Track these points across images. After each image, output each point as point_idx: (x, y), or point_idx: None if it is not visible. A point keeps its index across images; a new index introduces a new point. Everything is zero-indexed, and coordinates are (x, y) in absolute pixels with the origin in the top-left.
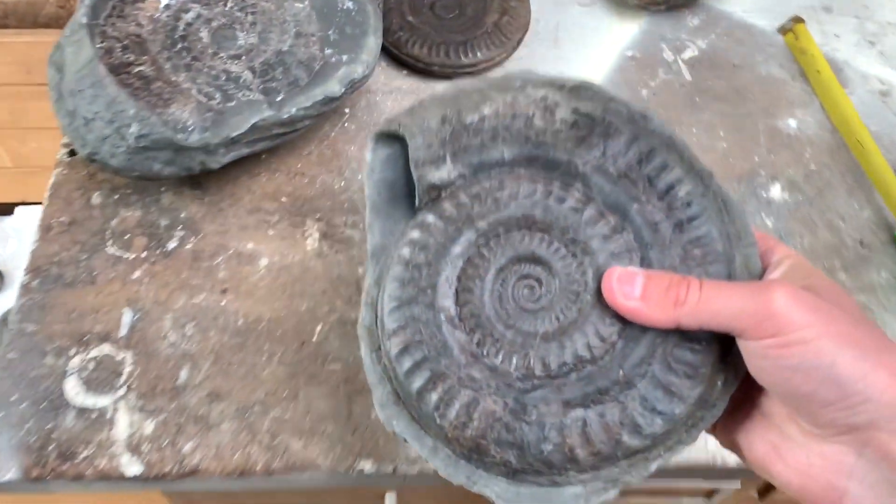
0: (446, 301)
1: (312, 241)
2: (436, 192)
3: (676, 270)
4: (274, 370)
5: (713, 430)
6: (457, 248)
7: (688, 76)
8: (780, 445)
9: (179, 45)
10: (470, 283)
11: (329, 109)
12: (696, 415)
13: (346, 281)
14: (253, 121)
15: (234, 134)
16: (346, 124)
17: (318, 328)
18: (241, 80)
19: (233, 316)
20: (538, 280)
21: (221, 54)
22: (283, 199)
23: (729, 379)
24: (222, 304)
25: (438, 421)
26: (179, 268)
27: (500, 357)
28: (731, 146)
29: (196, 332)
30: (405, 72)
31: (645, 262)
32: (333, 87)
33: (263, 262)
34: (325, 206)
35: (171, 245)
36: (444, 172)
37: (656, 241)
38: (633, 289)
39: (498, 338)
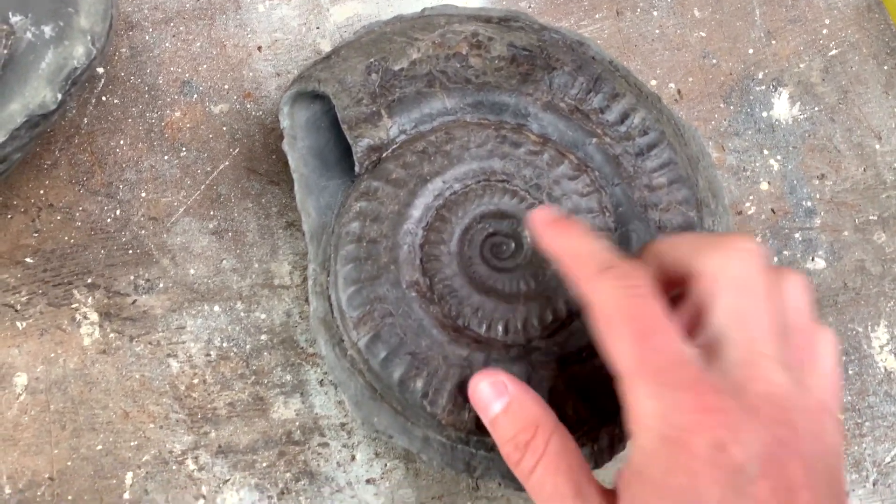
0: (414, 274)
1: (90, 329)
2: (376, 155)
3: (644, 201)
4: None
5: None
6: (413, 213)
7: None
8: None
9: None
10: (435, 251)
11: (47, 126)
12: None
13: (154, 387)
14: None
15: None
16: (104, 99)
17: (129, 478)
18: None
19: None
20: (507, 236)
21: None
22: (28, 260)
23: None
24: None
25: (429, 409)
26: None
27: (485, 326)
28: (712, 35)
29: None
30: None
31: (613, 200)
32: (41, 93)
33: (20, 380)
34: (96, 257)
35: None
36: (383, 130)
37: (620, 175)
38: (486, 411)
39: (478, 306)
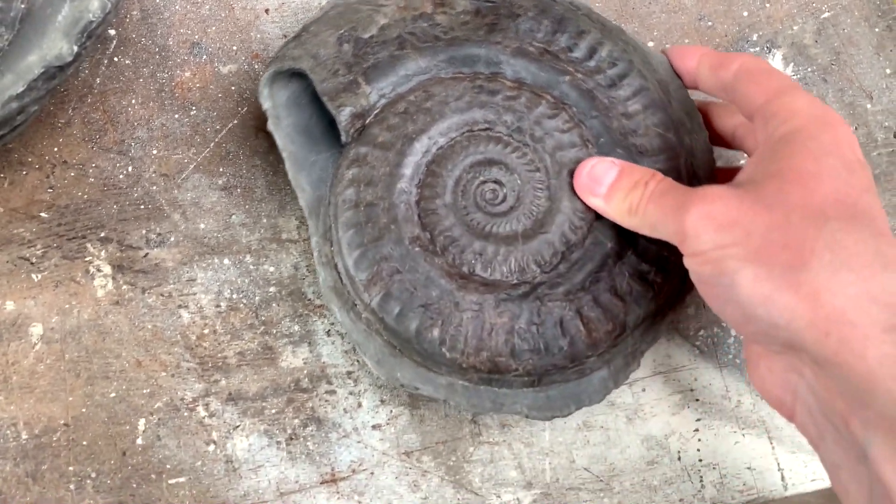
0: (414, 230)
1: (103, 281)
2: (360, 122)
3: (623, 129)
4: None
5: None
6: (405, 172)
7: None
8: (754, 354)
9: None
10: (431, 206)
11: (63, 79)
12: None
13: (166, 336)
14: None
15: None
16: (116, 60)
17: (141, 424)
18: None
19: (10, 429)
20: (498, 182)
21: None
22: (43, 215)
23: None
24: None
25: (449, 355)
26: None
27: (490, 269)
28: None
29: None
30: None
31: (594, 132)
32: (58, 45)
33: (36, 330)
34: (109, 213)
35: None
36: (363, 97)
37: (596, 108)
38: (600, 186)
39: (480, 251)
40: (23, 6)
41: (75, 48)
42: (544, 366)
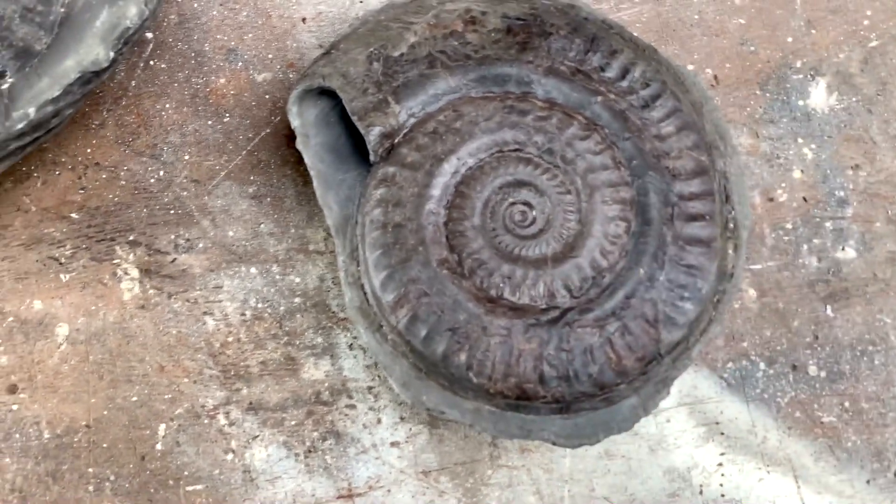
0: (442, 252)
1: (130, 284)
2: (389, 141)
3: (656, 151)
4: None
5: None
6: (433, 193)
7: None
8: None
9: None
10: (459, 227)
11: (98, 83)
12: (719, 289)
13: (190, 343)
14: None
15: None
16: (152, 64)
17: (161, 430)
18: None
19: (33, 427)
20: (527, 204)
21: None
22: (74, 215)
23: (739, 244)
24: (14, 409)
25: (476, 380)
26: None
27: (518, 294)
28: (751, 22)
29: None
30: None
31: (626, 154)
32: (95, 51)
33: (62, 330)
34: (139, 216)
35: None
36: (392, 117)
37: (629, 129)
38: None
39: (508, 275)
40: (62, 10)
41: (112, 54)
42: (573, 393)
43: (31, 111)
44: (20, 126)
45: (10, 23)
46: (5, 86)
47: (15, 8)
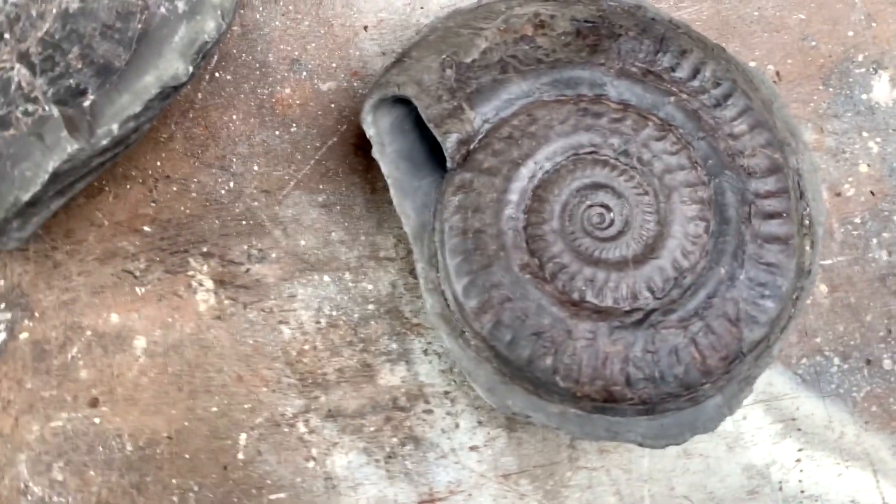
0: (523, 257)
1: (205, 296)
2: (465, 147)
3: (730, 150)
4: None
5: None
6: (512, 198)
7: None
8: None
9: None
10: (539, 231)
11: (175, 97)
12: (797, 286)
13: (267, 352)
14: (52, 166)
15: (26, 196)
16: (217, 76)
17: (242, 439)
18: (13, 87)
19: (115, 440)
20: (605, 206)
21: None
22: (147, 229)
23: (815, 241)
24: (96, 422)
25: (563, 384)
26: (17, 374)
27: (601, 296)
28: (811, 17)
29: (69, 474)
30: None
31: (701, 154)
32: (174, 65)
33: (139, 343)
34: (211, 228)
35: None
36: (468, 123)
37: (702, 129)
38: None
39: (590, 278)
40: (140, 26)
41: (191, 68)
42: (659, 394)
43: (115, 127)
44: (104, 143)
45: (90, 40)
46: (87, 103)
47: (95, 26)
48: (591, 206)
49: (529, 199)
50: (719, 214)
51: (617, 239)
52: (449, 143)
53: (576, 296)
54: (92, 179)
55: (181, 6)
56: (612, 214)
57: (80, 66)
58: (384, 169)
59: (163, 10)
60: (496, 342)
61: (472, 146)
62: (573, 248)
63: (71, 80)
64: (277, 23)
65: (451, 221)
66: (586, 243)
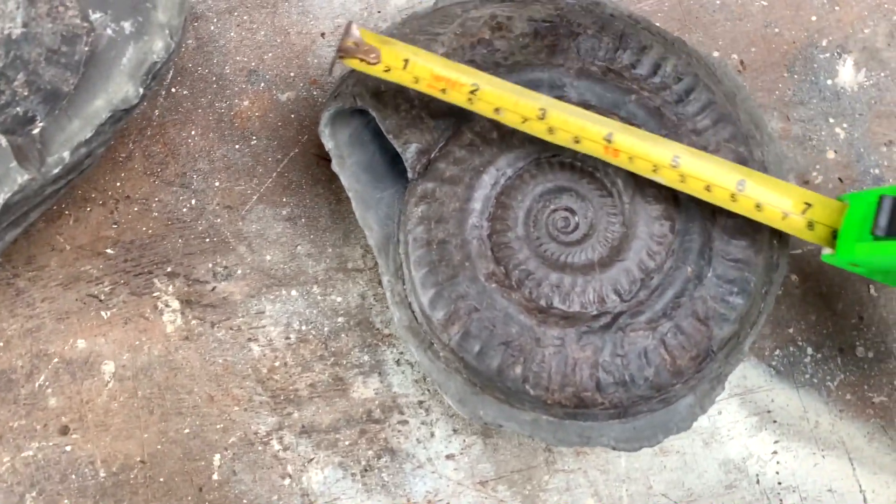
0: (489, 266)
1: (172, 317)
2: (426, 157)
3: (694, 146)
4: None
5: None
6: (475, 207)
7: None
8: None
9: None
10: (504, 239)
11: (128, 119)
12: (766, 280)
13: (237, 370)
14: (2, 198)
15: None
16: (174, 91)
17: (217, 460)
18: None
19: (88, 467)
20: (569, 209)
21: None
22: (109, 251)
23: (783, 235)
24: (67, 450)
25: (533, 392)
26: None
27: (568, 302)
28: (774, 3)
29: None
30: None
31: None
32: (123, 88)
33: (108, 367)
34: (175, 247)
35: None
36: (427, 132)
37: (665, 126)
38: None
39: (557, 283)
40: (86, 49)
41: (141, 90)
42: (630, 397)
43: (66, 154)
44: (56, 171)
45: (35, 66)
46: (36, 130)
47: (40, 51)
48: (555, 210)
49: (493, 207)
50: (684, 212)
51: (582, 243)
52: (409, 154)
53: (543, 302)
54: (46, 208)
55: (128, 27)
56: (576, 218)
57: (26, 93)
58: (345, 182)
59: (109, 31)
60: (465, 353)
61: (432, 155)
62: (539, 254)
63: (18, 108)
64: (233, 34)
65: (414, 233)
66: (552, 248)
